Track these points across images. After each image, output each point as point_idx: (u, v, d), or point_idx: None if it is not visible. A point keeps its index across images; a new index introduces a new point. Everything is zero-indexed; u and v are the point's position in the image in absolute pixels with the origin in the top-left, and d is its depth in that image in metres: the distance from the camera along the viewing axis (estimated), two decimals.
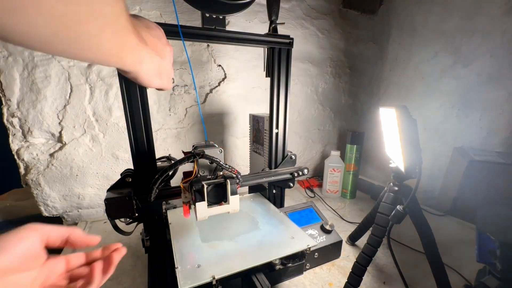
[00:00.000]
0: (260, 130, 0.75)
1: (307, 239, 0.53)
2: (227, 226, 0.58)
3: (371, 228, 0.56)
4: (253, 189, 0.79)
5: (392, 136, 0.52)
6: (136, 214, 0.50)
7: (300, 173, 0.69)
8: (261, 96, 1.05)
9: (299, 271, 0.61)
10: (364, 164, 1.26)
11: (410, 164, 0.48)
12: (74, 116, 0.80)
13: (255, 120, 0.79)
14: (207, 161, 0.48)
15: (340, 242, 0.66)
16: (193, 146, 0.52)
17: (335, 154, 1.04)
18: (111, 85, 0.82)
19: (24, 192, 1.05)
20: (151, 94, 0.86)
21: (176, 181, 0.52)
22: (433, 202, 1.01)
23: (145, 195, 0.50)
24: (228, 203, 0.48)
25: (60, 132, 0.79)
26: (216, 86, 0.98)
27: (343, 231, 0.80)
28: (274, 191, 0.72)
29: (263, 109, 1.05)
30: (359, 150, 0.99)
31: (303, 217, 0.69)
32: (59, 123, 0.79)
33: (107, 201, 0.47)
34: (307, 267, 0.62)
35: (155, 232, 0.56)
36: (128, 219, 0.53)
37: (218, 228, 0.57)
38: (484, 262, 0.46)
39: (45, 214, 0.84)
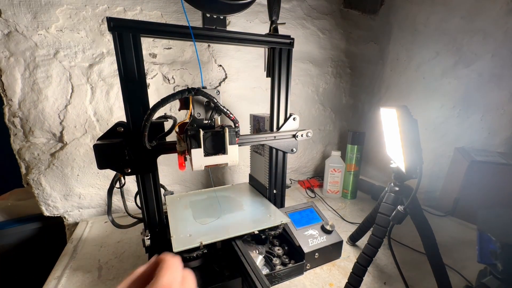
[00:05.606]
0: (261, 130, 0.75)
1: (283, 217, 0.61)
2: (216, 207, 0.67)
3: (371, 229, 0.56)
4: (253, 188, 0.79)
5: (393, 136, 0.52)
6: (129, 170, 0.48)
7: (304, 134, 0.67)
8: (261, 96, 1.05)
9: (300, 271, 0.61)
10: (364, 164, 1.26)
11: (411, 165, 0.48)
12: (75, 116, 0.80)
13: (256, 120, 0.79)
14: (203, 102, 0.46)
15: (341, 242, 0.66)
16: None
17: (336, 154, 1.04)
18: (112, 85, 0.82)
19: (25, 191, 1.05)
20: (152, 94, 0.86)
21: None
22: (434, 203, 1.01)
23: (138, 146, 0.47)
24: (226, 154, 0.47)
25: (61, 132, 0.79)
26: (217, 86, 0.98)
27: (344, 231, 0.80)
28: (274, 191, 0.71)
29: (263, 109, 1.05)
30: (359, 150, 0.99)
31: (304, 217, 0.69)
32: (60, 123, 0.79)
33: (96, 147, 0.44)
34: (307, 267, 0.62)
35: (155, 231, 0.56)
36: (121, 182, 0.53)
37: (208, 208, 0.67)
38: (485, 263, 0.45)
39: (46, 213, 0.85)
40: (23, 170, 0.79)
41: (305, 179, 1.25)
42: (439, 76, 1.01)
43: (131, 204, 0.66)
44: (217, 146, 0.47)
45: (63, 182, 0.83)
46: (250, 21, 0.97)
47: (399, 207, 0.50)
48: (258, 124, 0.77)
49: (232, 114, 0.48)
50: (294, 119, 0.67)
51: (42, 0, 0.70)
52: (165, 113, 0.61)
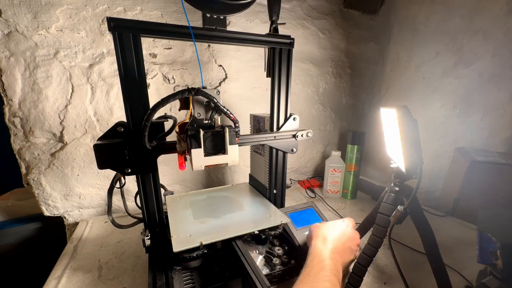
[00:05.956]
0: (261, 130, 0.75)
1: (283, 217, 0.61)
2: (216, 207, 0.67)
3: (371, 229, 0.56)
4: (253, 188, 0.79)
5: (393, 136, 0.52)
6: (129, 170, 0.48)
7: (304, 134, 0.67)
8: (261, 96, 1.05)
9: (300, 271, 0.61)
10: (365, 164, 1.26)
11: (411, 165, 0.48)
12: (75, 116, 0.80)
13: (256, 120, 0.79)
14: (203, 102, 0.46)
15: None
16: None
17: (336, 154, 1.04)
18: (112, 85, 0.82)
19: (25, 191, 1.05)
20: (152, 94, 0.86)
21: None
22: (434, 203, 1.01)
23: (138, 146, 0.47)
24: (226, 154, 0.47)
25: (61, 132, 0.79)
26: (217, 86, 0.98)
27: None
28: (274, 191, 0.71)
29: (263, 109, 1.05)
30: (360, 150, 0.99)
31: (304, 217, 0.69)
32: (60, 123, 0.79)
33: (96, 146, 0.44)
34: None
35: (155, 231, 0.56)
36: (121, 182, 0.53)
37: (208, 208, 0.66)
38: (485, 263, 0.45)
39: (46, 213, 0.85)
40: (23, 170, 0.79)
41: (305, 179, 1.25)
42: (439, 76, 1.01)
43: (131, 204, 0.67)
44: (217, 146, 0.47)
45: (63, 182, 0.83)
46: (250, 21, 0.97)
47: (399, 207, 0.50)
48: (258, 124, 0.77)
49: (232, 114, 0.48)
50: (294, 119, 0.67)
51: (43, 0, 0.70)
52: (165, 113, 0.61)
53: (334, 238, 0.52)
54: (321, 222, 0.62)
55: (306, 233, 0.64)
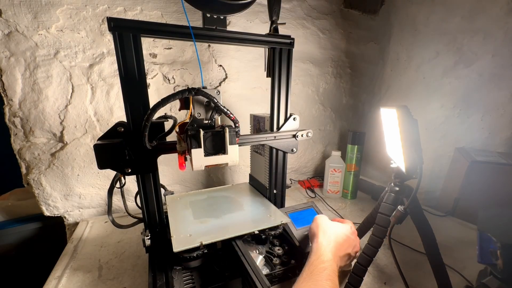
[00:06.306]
0: (261, 130, 0.75)
1: (283, 217, 0.61)
2: (216, 207, 0.67)
3: (372, 229, 0.56)
4: (253, 188, 0.79)
5: (393, 136, 0.52)
6: (129, 170, 0.48)
7: (304, 134, 0.67)
8: (262, 96, 1.05)
9: (300, 271, 0.61)
10: (365, 164, 1.26)
11: (411, 165, 0.48)
12: (76, 116, 0.80)
13: (256, 120, 0.79)
14: (203, 102, 0.46)
15: None
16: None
17: (336, 154, 1.04)
18: (112, 85, 0.82)
19: (25, 191, 1.05)
20: (152, 94, 0.86)
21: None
22: (435, 203, 1.01)
23: (138, 146, 0.47)
24: (227, 154, 0.47)
25: (61, 132, 0.79)
26: (217, 86, 0.98)
27: None
28: (274, 191, 0.71)
29: (263, 109, 1.05)
30: (360, 150, 0.99)
31: (304, 217, 0.69)
32: (61, 123, 0.79)
33: (96, 146, 0.44)
34: None
35: (155, 231, 0.56)
36: (121, 181, 0.53)
37: (208, 208, 0.67)
38: (485, 263, 0.45)
39: (47, 213, 0.85)
40: (23, 170, 0.79)
41: (305, 179, 1.25)
42: (439, 76, 1.01)
43: (131, 204, 0.67)
44: (217, 146, 0.47)
45: (64, 182, 0.83)
46: (250, 21, 0.97)
47: (399, 207, 0.50)
48: (258, 124, 0.77)
49: (232, 114, 0.48)
50: (294, 119, 0.67)
51: (43, 0, 0.70)
52: (165, 113, 0.61)
53: (338, 241, 0.52)
54: (326, 217, 0.60)
55: (307, 233, 0.64)
